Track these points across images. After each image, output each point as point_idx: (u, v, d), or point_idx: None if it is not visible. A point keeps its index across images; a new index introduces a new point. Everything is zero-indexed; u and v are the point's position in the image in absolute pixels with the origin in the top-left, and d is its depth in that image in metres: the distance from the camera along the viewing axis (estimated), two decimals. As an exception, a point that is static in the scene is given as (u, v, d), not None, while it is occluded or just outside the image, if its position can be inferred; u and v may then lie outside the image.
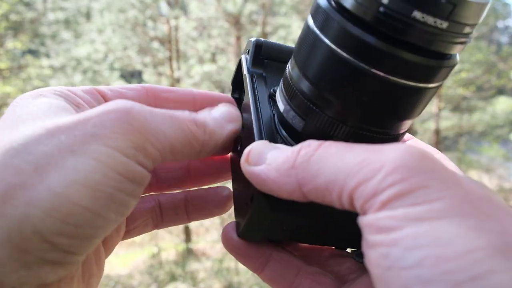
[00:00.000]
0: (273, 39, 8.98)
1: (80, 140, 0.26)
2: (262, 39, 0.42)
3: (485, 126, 9.56)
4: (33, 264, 0.25)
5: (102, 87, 0.36)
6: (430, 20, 0.26)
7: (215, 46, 8.59)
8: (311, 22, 0.31)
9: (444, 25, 0.26)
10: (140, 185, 0.29)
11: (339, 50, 0.29)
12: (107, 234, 0.28)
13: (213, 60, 8.51)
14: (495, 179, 10.84)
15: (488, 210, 0.23)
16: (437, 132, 9.00)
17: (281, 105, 0.35)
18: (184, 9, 8.92)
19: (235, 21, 8.38)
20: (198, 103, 0.39)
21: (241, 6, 8.13)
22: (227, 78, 7.86)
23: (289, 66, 0.35)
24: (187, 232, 7.51)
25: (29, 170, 0.25)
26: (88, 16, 9.58)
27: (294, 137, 0.34)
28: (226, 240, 0.37)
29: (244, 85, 0.40)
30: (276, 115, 0.37)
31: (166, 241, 7.64)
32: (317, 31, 0.30)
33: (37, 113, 0.29)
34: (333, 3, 0.30)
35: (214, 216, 0.43)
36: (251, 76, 0.40)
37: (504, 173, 10.90)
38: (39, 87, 0.33)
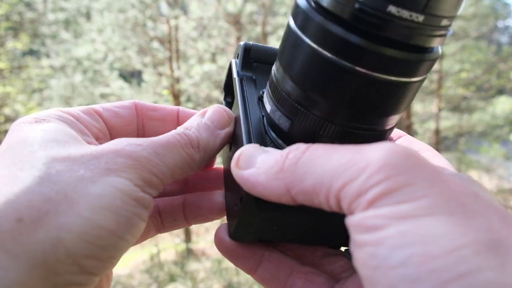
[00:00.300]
0: (273, 39, 9.00)
1: (98, 173, 0.29)
2: (251, 42, 0.43)
3: (485, 126, 9.57)
4: (61, 285, 0.27)
5: (97, 107, 0.38)
6: (405, 14, 0.26)
7: (215, 46, 8.60)
8: (292, 22, 0.32)
9: (420, 18, 0.26)
10: (148, 209, 0.32)
11: (320, 49, 0.29)
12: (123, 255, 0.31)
13: (213, 60, 8.51)
14: (495, 179, 10.84)
15: (474, 206, 0.22)
16: (437, 132, 9.00)
17: (268, 106, 0.35)
18: (184, 9, 8.92)
19: (235, 21, 8.39)
20: (181, 122, 0.40)
21: (241, 6, 8.13)
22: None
23: (274, 67, 0.35)
24: (187, 232, 7.51)
25: (59, 198, 0.27)
26: (88, 16, 9.58)
27: (282, 137, 0.35)
28: (218, 242, 0.37)
29: (234, 88, 0.41)
30: (265, 116, 0.37)
31: (166, 241, 7.65)
32: (298, 31, 0.30)
33: (47, 139, 0.31)
34: (312, 2, 0.30)
35: (211, 220, 0.43)
36: (241, 80, 0.41)
37: (504, 173, 10.90)
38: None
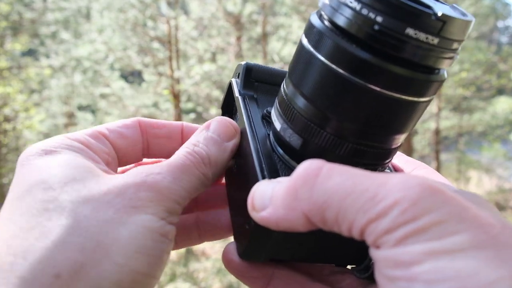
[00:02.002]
0: (273, 39, 8.99)
1: (125, 212, 0.30)
2: (252, 62, 0.43)
3: (485, 126, 9.56)
4: None
5: (102, 129, 0.38)
6: (422, 36, 0.28)
7: (215, 46, 8.59)
8: (305, 41, 0.32)
9: (435, 41, 0.28)
10: (173, 240, 0.33)
11: (334, 67, 0.30)
12: None
13: (213, 60, 8.50)
14: (495, 179, 10.83)
15: (505, 239, 0.23)
16: (437, 132, 9.00)
17: (277, 124, 0.36)
18: (184, 9, 8.92)
19: (235, 21, 8.38)
20: (185, 138, 0.40)
21: (241, 6, 8.13)
22: (227, 78, 7.86)
23: (284, 85, 0.35)
24: (187, 232, 7.50)
25: (92, 246, 0.28)
26: (88, 16, 9.57)
27: (292, 155, 0.35)
28: (227, 262, 0.37)
29: (237, 107, 0.41)
30: (271, 134, 0.37)
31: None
32: (312, 49, 0.31)
33: (66, 177, 0.31)
34: (325, 22, 0.31)
35: (225, 237, 0.44)
36: (243, 98, 0.41)
37: (504, 173, 10.90)
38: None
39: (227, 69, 7.99)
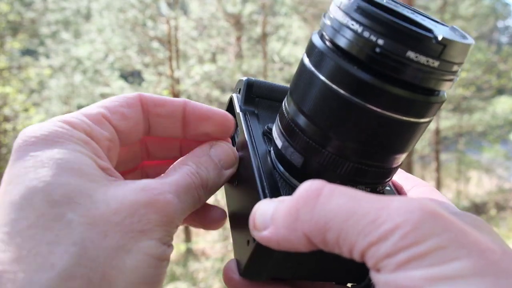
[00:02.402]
0: (273, 39, 8.99)
1: (132, 237, 0.30)
2: (253, 78, 0.44)
3: (485, 126, 9.57)
4: None
5: (105, 111, 0.36)
6: (423, 59, 0.28)
7: (215, 46, 8.60)
8: (306, 60, 0.32)
9: (436, 63, 0.28)
10: (169, 260, 0.33)
11: (335, 87, 0.30)
12: None
13: (213, 60, 8.51)
14: (495, 179, 10.83)
15: (503, 265, 0.23)
16: (437, 132, 9.00)
17: (278, 142, 0.36)
18: (184, 9, 8.92)
19: (235, 21, 8.39)
20: (187, 118, 0.39)
21: (241, 6, 8.13)
22: (227, 78, 7.87)
23: (285, 103, 0.36)
24: (187, 232, 7.51)
25: (98, 279, 0.28)
26: (88, 16, 9.58)
27: (293, 172, 0.35)
28: (228, 280, 0.37)
29: (238, 123, 0.41)
30: (272, 151, 0.37)
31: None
32: (313, 69, 0.31)
33: (71, 189, 0.29)
34: (327, 42, 0.31)
35: (202, 228, 0.44)
36: (244, 114, 0.41)
37: (504, 173, 10.90)
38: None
39: (227, 69, 7.99)
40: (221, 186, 0.38)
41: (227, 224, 0.44)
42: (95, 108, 0.35)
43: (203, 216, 0.42)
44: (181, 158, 0.38)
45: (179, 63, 8.24)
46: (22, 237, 0.27)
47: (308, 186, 0.27)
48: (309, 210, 0.26)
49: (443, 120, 9.27)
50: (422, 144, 9.38)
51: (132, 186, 0.32)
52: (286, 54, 8.67)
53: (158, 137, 0.41)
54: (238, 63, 8.10)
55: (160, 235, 0.31)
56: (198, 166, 0.36)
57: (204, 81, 8.06)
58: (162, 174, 0.36)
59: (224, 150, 0.38)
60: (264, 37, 8.58)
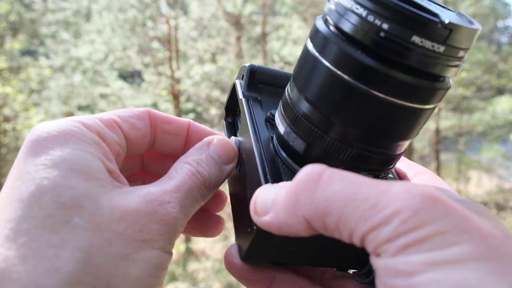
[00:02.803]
0: (273, 39, 8.99)
1: (135, 247, 0.30)
2: (256, 64, 0.43)
3: (485, 126, 9.56)
4: None
5: (116, 118, 0.37)
6: (428, 44, 0.27)
7: (215, 46, 8.59)
8: (310, 45, 0.32)
9: (441, 49, 0.28)
10: (168, 266, 0.34)
11: (339, 73, 0.30)
12: None
13: (213, 60, 8.50)
14: (495, 179, 10.83)
15: (506, 250, 0.23)
16: (437, 132, 9.00)
17: (281, 128, 0.35)
18: (184, 9, 8.92)
19: (235, 21, 8.38)
20: (190, 138, 0.41)
21: (241, 6, 8.12)
22: (227, 78, 7.86)
23: (288, 89, 0.35)
24: (187, 232, 7.50)
25: (103, 286, 0.28)
26: (88, 16, 9.57)
27: (295, 158, 0.35)
28: (229, 265, 0.37)
29: (241, 108, 0.41)
30: (275, 137, 0.37)
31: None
32: (317, 54, 0.31)
33: (79, 192, 0.30)
34: (331, 27, 0.31)
35: (198, 236, 0.44)
36: (247, 100, 0.41)
37: (504, 173, 10.89)
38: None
39: (227, 69, 7.99)
40: (222, 182, 0.39)
41: (227, 224, 0.44)
42: (107, 114, 0.36)
43: (202, 224, 0.42)
44: (181, 157, 0.38)
45: (179, 63, 8.24)
46: (28, 236, 0.27)
47: (309, 170, 0.27)
48: (309, 195, 0.26)
49: (443, 120, 9.27)
50: (422, 144, 9.37)
51: (135, 194, 0.32)
52: (286, 54, 8.66)
53: (158, 153, 0.42)
54: (238, 63, 8.09)
55: (162, 244, 0.32)
56: (199, 164, 0.36)
57: (204, 81, 8.06)
58: (164, 176, 0.36)
59: (223, 146, 0.39)
60: (264, 37, 8.57)
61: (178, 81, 8.04)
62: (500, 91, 10.24)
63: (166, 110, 8.63)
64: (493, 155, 10.74)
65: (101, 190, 0.31)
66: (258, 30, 8.64)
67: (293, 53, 8.61)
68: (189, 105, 8.94)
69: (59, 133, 0.32)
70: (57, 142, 0.31)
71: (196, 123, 0.41)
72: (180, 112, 8.19)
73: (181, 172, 0.36)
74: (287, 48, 8.74)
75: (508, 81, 8.94)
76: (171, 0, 8.01)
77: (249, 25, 8.66)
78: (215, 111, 8.37)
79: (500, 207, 9.22)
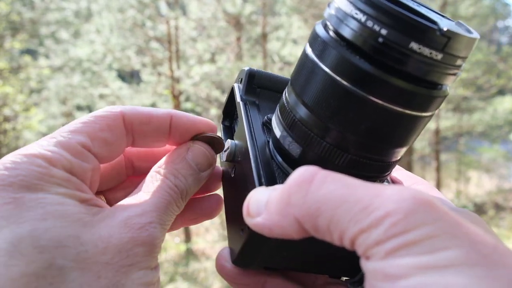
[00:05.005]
0: (273, 39, 8.99)
1: (123, 272, 0.31)
2: (255, 68, 0.43)
3: (485, 126, 9.56)
4: None
5: (85, 141, 0.34)
6: (426, 51, 0.27)
7: (214, 46, 8.59)
8: (309, 50, 0.32)
9: (439, 56, 0.28)
10: (159, 281, 0.35)
11: (338, 78, 0.30)
12: None
13: (212, 60, 8.50)
14: (495, 179, 10.83)
15: (495, 257, 0.22)
16: (437, 132, 9.00)
17: (277, 131, 0.35)
18: (184, 9, 8.92)
19: (235, 21, 8.38)
20: (174, 129, 0.39)
21: (240, 6, 8.13)
22: (227, 78, 7.86)
23: (285, 93, 0.35)
24: (187, 232, 7.51)
25: None
26: (87, 16, 9.57)
27: (291, 163, 0.35)
28: (220, 268, 0.37)
29: (238, 112, 0.41)
30: (271, 141, 0.37)
31: (166, 241, 7.64)
32: (316, 59, 0.31)
33: (58, 233, 0.29)
34: (330, 32, 0.31)
35: (201, 222, 0.44)
36: (245, 104, 0.41)
37: (504, 173, 10.90)
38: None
39: (227, 69, 7.99)
40: (198, 189, 0.39)
41: (227, 224, 0.44)
42: (74, 136, 0.34)
43: (200, 208, 0.42)
44: (158, 164, 0.38)
45: (179, 63, 8.24)
46: (14, 286, 0.27)
47: (302, 172, 0.27)
48: (301, 196, 0.26)
49: (443, 120, 9.27)
50: (422, 144, 9.37)
51: (115, 220, 0.32)
52: (286, 54, 8.66)
53: (143, 150, 0.41)
54: (238, 63, 8.09)
55: (147, 263, 0.32)
56: (176, 176, 0.36)
57: (204, 81, 8.06)
58: (141, 190, 0.36)
59: (202, 152, 0.39)
60: (264, 37, 8.57)
61: (177, 81, 8.05)
62: (501, 91, 10.24)
63: (166, 110, 8.61)
64: (493, 155, 10.75)
65: (79, 226, 0.31)
66: (258, 30, 8.64)
67: (293, 53, 8.62)
68: (189, 105, 8.94)
69: (24, 177, 0.30)
70: (25, 187, 0.30)
71: (179, 113, 0.39)
72: (180, 112, 8.18)
73: (159, 188, 0.36)
74: (287, 48, 8.74)
75: (508, 81, 8.94)
76: (171, 0, 8.01)
77: (249, 25, 8.67)
78: (215, 111, 8.37)
79: (499, 207, 9.22)
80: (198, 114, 8.95)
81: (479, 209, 9.03)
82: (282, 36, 8.88)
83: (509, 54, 8.90)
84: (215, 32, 8.52)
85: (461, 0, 8.91)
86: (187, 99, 8.76)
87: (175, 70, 8.08)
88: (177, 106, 8.06)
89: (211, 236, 7.81)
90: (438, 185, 9.82)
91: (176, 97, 8.03)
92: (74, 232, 0.30)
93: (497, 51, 9.46)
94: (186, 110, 9.12)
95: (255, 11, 8.52)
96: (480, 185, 10.98)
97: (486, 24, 10.22)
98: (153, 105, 8.85)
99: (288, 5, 8.82)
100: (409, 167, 7.01)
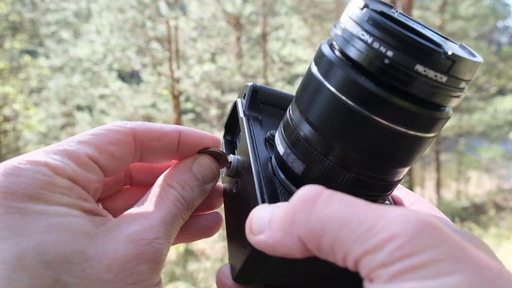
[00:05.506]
0: (273, 39, 9.00)
1: None
2: (259, 84, 0.43)
3: (485, 126, 9.57)
4: None
5: (93, 153, 0.34)
6: (431, 73, 0.28)
7: (214, 47, 8.60)
8: (314, 69, 0.32)
9: (444, 79, 0.28)
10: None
11: (343, 97, 0.30)
12: None
13: (212, 60, 8.51)
14: (495, 179, 10.84)
15: (500, 282, 0.22)
16: (437, 132, 8.99)
17: (280, 148, 0.35)
18: (184, 9, 8.92)
19: (235, 21, 8.39)
20: (182, 144, 0.39)
21: (240, 6, 8.13)
22: (227, 78, 7.87)
23: (290, 110, 0.35)
24: (187, 232, 7.50)
25: None
26: (87, 17, 9.58)
27: (293, 180, 0.35)
28: (221, 285, 0.37)
29: (241, 127, 0.41)
30: (273, 157, 0.37)
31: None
32: (321, 78, 0.31)
33: (62, 249, 0.29)
34: (336, 52, 0.31)
35: (198, 239, 0.44)
36: (248, 119, 0.41)
37: (504, 173, 10.91)
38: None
39: (227, 69, 7.99)
40: (201, 201, 0.39)
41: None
42: (82, 147, 0.34)
43: (200, 226, 0.42)
44: (165, 175, 0.38)
45: (179, 63, 8.24)
46: None
47: (307, 191, 0.27)
48: (305, 215, 0.26)
49: (443, 120, 9.26)
50: (422, 144, 9.36)
51: (121, 234, 0.32)
52: (286, 54, 8.67)
53: (145, 164, 0.41)
54: (238, 63, 8.10)
55: (150, 281, 0.32)
56: (183, 187, 0.37)
57: (204, 81, 8.07)
58: (148, 202, 0.35)
59: (207, 165, 0.39)
60: (264, 37, 8.58)
61: (177, 81, 8.05)
62: (501, 91, 10.24)
63: (166, 110, 8.63)
64: (493, 155, 10.75)
65: (85, 239, 0.30)
66: (258, 30, 8.64)
67: (293, 53, 8.62)
68: (189, 105, 8.95)
69: (28, 186, 0.29)
70: (28, 197, 0.29)
71: (187, 129, 0.39)
72: (180, 113, 8.20)
73: (166, 200, 0.35)
74: (287, 48, 8.75)
75: (508, 81, 8.94)
76: (171, 1, 8.02)
77: (249, 25, 8.67)
78: (215, 112, 8.38)
79: (499, 207, 9.22)
80: (198, 114, 8.96)
81: (479, 209, 9.04)
82: (282, 36, 8.89)
83: (509, 54, 8.91)
84: (215, 32, 8.53)
85: (461, 0, 8.91)
86: (187, 99, 8.77)
87: (175, 70, 8.08)
88: (177, 106, 8.06)
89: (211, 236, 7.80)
90: (438, 185, 9.83)
91: (176, 97, 8.04)
92: (80, 247, 0.30)
93: (497, 51, 9.46)
94: (186, 110, 9.12)
95: (255, 11, 8.52)
96: (480, 185, 10.99)
97: (486, 24, 10.23)
98: (154, 105, 8.86)
99: (288, 5, 8.83)
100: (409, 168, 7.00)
